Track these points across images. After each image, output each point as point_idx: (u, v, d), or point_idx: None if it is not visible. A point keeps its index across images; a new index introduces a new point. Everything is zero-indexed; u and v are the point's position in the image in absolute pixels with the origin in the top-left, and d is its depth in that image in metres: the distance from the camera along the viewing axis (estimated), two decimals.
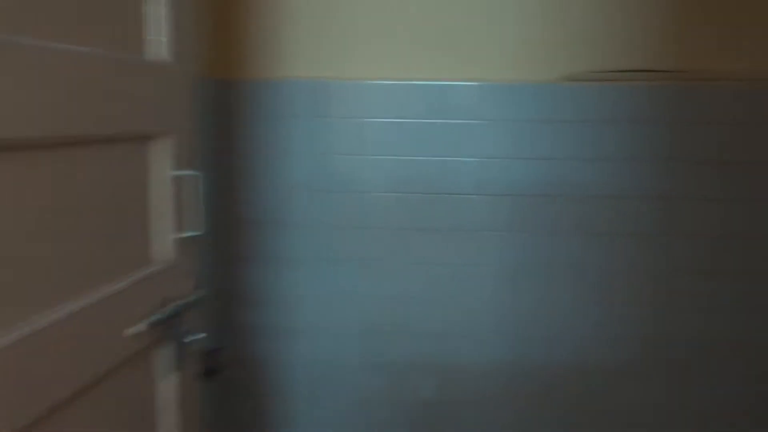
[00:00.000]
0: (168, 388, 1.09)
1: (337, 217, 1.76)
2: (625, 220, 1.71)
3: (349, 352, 1.79)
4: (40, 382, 0.76)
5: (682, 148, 1.68)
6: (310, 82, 1.72)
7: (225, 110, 1.75)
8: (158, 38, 1.02)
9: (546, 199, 1.71)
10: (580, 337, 1.76)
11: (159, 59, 1.02)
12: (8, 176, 0.71)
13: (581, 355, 1.76)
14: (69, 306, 0.82)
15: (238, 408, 1.82)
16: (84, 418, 0.86)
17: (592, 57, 1.67)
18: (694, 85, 1.65)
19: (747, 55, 1.65)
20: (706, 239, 1.72)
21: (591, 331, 1.76)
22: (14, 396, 0.71)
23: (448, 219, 1.75)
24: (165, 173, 1.05)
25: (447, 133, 1.72)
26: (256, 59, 1.74)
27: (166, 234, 1.07)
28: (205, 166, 1.71)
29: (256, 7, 1.71)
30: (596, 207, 1.70)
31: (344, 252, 1.77)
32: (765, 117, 1.67)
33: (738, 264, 1.72)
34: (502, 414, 1.79)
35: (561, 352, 1.77)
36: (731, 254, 1.72)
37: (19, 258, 0.73)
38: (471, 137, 1.72)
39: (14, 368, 0.71)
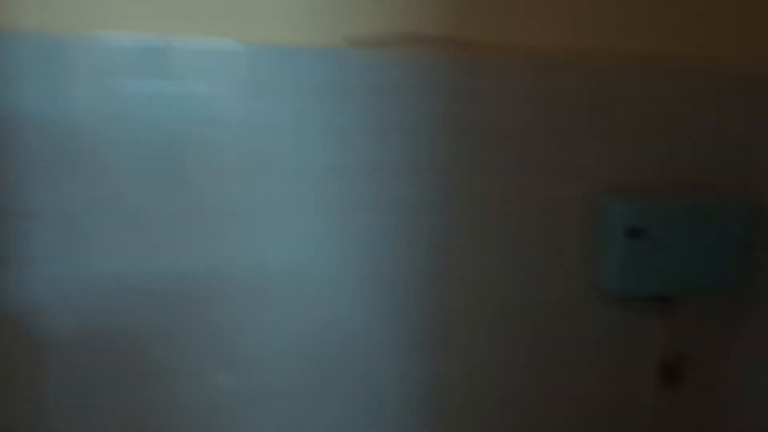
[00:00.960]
0: None
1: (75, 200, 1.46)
2: (413, 192, 1.65)
3: None
4: None
5: (467, 120, 1.63)
6: (37, 36, 1.37)
7: None
8: None
9: (328, 173, 1.58)
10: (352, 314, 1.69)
11: None
12: None
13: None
14: None
15: None
16: None
17: (376, 19, 1.54)
18: (482, 57, 1.61)
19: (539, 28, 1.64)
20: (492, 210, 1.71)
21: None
22: None
23: (201, 198, 1.51)
24: None
25: (202, 100, 1.47)
26: None
27: None
28: None
29: None
30: (383, 180, 1.62)
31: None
32: (555, 91, 1.67)
33: None
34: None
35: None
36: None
37: None
38: (231, 105, 1.49)
39: None
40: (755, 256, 1.97)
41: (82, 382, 1.54)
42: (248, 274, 1.59)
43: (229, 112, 1.50)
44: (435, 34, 1.57)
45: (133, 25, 1.42)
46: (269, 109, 1.52)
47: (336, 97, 1.54)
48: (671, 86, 1.76)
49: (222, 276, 1.57)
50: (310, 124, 1.54)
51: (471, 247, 1.72)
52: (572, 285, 1.82)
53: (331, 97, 1.54)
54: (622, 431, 1.99)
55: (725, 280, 1.81)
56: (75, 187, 1.45)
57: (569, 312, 1.84)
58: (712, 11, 1.75)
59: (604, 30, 1.69)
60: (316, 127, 1.55)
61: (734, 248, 1.78)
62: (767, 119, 1.87)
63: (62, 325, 1.51)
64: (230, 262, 1.57)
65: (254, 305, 1.61)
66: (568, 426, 1.94)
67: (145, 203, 1.49)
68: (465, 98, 1.62)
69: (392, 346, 1.73)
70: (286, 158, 1.55)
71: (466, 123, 1.64)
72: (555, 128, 1.70)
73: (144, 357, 1.57)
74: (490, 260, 1.74)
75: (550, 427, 1.92)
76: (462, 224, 1.69)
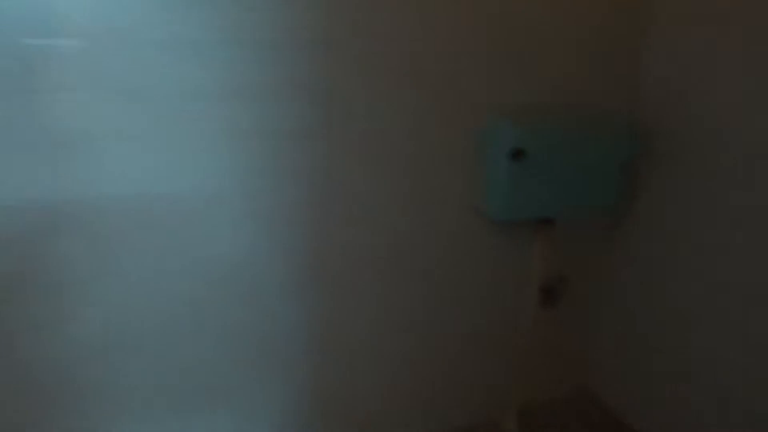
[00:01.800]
0: None
1: None
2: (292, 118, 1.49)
3: None
4: None
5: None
6: None
7: None
8: None
9: (204, 98, 1.39)
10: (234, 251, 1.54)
11: None
12: None
13: None
14: None
15: None
16: None
17: None
18: None
19: None
20: None
21: None
22: None
23: (63, 123, 1.30)
24: None
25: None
26: None
27: None
28: None
29: None
30: (262, 105, 1.45)
31: None
32: None
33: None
34: None
35: None
36: None
37: None
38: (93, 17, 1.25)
39: None
40: (637, 177, 1.99)
41: None
42: (116, 204, 1.38)
43: (75, 25, 1.24)
44: None
45: None
46: (114, 18, 1.27)
47: (205, 9, 1.33)
48: (550, 5, 1.68)
49: (91, 207, 1.36)
50: (166, 38, 1.32)
51: (355, 177, 1.60)
52: (460, 212, 1.77)
53: (202, 8, 1.32)
54: (506, 353, 2.02)
55: (608, 201, 1.82)
56: None
57: (457, 239, 1.80)
58: None
59: None
60: (170, 42, 1.32)
61: (617, 169, 1.78)
62: (652, 37, 1.85)
63: None
64: (97, 192, 1.36)
65: (126, 239, 1.41)
66: (457, 353, 1.93)
67: None
68: (335, 15, 1.45)
69: (277, 284, 1.60)
70: (162, 81, 1.34)
71: (339, 41, 1.47)
72: (432, 50, 1.58)
73: (10, 301, 1.36)
74: (375, 191, 1.63)
75: (440, 356, 1.91)
76: (344, 153, 1.57)
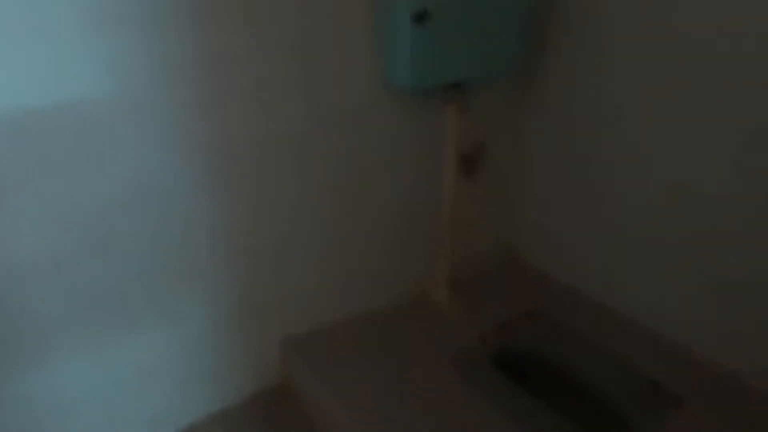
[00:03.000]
0: None
1: None
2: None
3: None
4: None
5: None
6: None
7: None
8: None
9: None
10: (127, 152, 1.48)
11: None
12: None
13: None
14: None
15: None
16: None
17: None
18: None
19: None
20: None
21: None
22: None
23: None
24: None
25: None
26: None
27: None
28: None
29: None
30: None
31: None
32: None
33: None
34: None
35: None
36: None
37: None
38: None
39: None
40: (541, 31, 1.95)
41: None
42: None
43: None
44: None
45: None
46: None
47: None
48: None
49: None
50: None
51: (253, 62, 1.47)
52: (366, 84, 1.69)
53: None
54: (431, 224, 2.04)
55: (514, 58, 1.77)
56: None
57: (368, 112, 1.73)
58: None
59: None
60: None
61: (520, 24, 1.73)
62: None
63: None
64: None
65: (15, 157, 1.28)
66: (382, 229, 1.93)
67: None
68: None
69: (186, 185, 1.50)
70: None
71: None
72: None
73: None
74: (275, 73, 1.52)
75: (366, 234, 1.90)
76: (239, 38, 1.43)
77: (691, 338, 1.82)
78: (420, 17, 1.54)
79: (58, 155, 1.31)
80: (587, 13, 1.81)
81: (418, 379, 1.73)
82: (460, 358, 1.83)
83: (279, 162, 1.63)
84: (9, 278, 1.35)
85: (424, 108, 1.84)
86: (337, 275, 1.91)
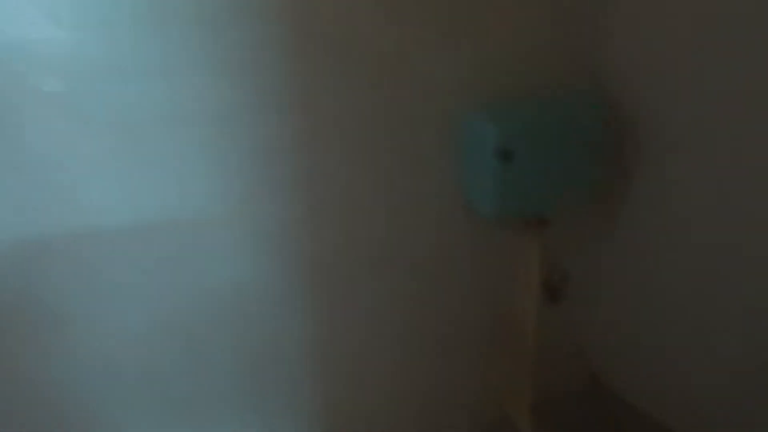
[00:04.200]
0: None
1: None
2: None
3: None
4: None
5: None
6: None
7: None
8: None
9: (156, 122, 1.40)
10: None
11: None
12: None
13: None
14: None
15: None
16: None
17: None
18: None
19: None
20: None
21: None
22: None
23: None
24: None
25: None
26: None
27: None
28: None
29: None
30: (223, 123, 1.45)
31: None
32: None
33: None
34: None
35: None
36: None
37: None
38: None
39: None
40: (621, 160, 1.98)
41: None
42: (106, 234, 1.42)
43: (40, 55, 1.26)
44: None
45: None
46: (85, 49, 1.30)
47: (159, 27, 1.34)
48: None
49: (80, 238, 1.40)
50: (136, 65, 1.34)
51: (337, 183, 1.62)
52: (446, 210, 1.77)
53: (154, 28, 1.34)
54: (514, 351, 2.03)
55: (595, 189, 1.81)
56: None
57: (445, 238, 1.80)
58: None
59: None
60: (142, 67, 1.35)
61: (601, 154, 1.77)
62: (615, 17, 1.82)
63: None
64: (86, 223, 1.40)
65: (119, 268, 1.45)
66: (463, 354, 1.94)
67: None
68: (309, 16, 1.46)
69: (271, 297, 1.63)
70: (113, 108, 1.35)
71: (311, 44, 1.48)
72: (407, 45, 1.58)
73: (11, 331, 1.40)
74: (359, 196, 1.65)
75: (445, 357, 1.92)
76: (324, 159, 1.58)
77: None
78: (504, 155, 1.63)
79: (164, 267, 1.47)
80: (669, 140, 1.83)
81: None
82: None
83: (362, 277, 1.72)
84: (106, 380, 1.48)
85: (506, 233, 1.89)
86: (413, 396, 1.92)
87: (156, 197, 1.44)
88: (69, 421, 1.51)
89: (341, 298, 1.70)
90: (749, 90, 1.55)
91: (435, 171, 1.72)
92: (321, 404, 1.75)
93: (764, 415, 1.70)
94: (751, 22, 1.51)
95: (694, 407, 1.92)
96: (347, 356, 1.76)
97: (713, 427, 1.86)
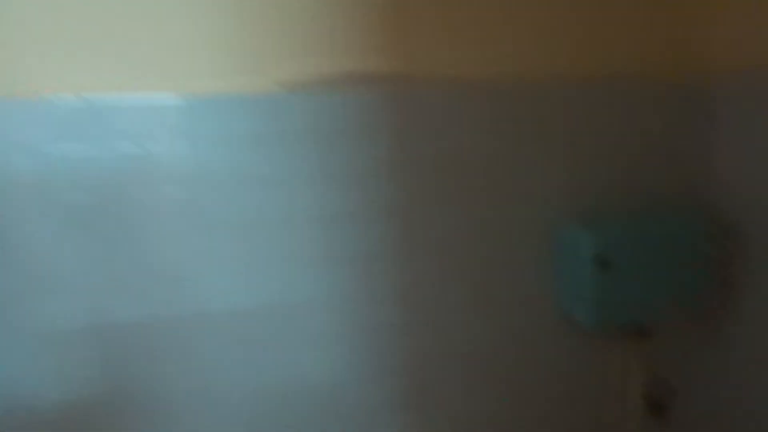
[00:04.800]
0: None
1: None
2: (367, 239, 1.59)
3: None
4: None
5: (416, 155, 1.59)
6: None
7: None
8: None
9: (279, 224, 1.52)
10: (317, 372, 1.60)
11: None
12: None
13: None
14: None
15: None
16: None
17: (309, 62, 1.50)
18: (425, 90, 1.57)
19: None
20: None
21: None
22: None
23: (148, 255, 1.44)
24: None
25: (138, 157, 1.41)
26: None
27: None
28: None
29: None
30: (334, 228, 1.56)
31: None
32: (502, 119, 1.63)
33: None
34: None
35: None
36: None
37: None
38: (169, 160, 1.42)
39: None
40: (723, 272, 1.91)
41: None
42: (209, 323, 1.53)
43: (166, 169, 1.44)
44: (373, 70, 1.53)
45: (64, 86, 1.37)
46: (208, 162, 1.47)
47: (275, 143, 1.50)
48: (617, 106, 1.72)
49: (185, 327, 1.51)
50: (252, 175, 1.49)
51: (434, 289, 1.66)
52: (543, 319, 1.76)
53: (270, 143, 1.49)
54: None
55: (697, 299, 1.75)
56: (6, 258, 1.38)
57: (543, 347, 1.78)
58: (641, 28, 1.72)
59: (547, 56, 1.66)
60: (258, 177, 1.50)
61: (702, 264, 1.73)
62: (715, 130, 1.83)
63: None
64: (191, 312, 1.51)
65: (220, 356, 1.54)
66: None
67: (86, 268, 1.42)
68: (412, 134, 1.58)
69: (366, 404, 1.66)
70: (230, 212, 1.50)
71: (415, 159, 1.59)
72: (506, 157, 1.66)
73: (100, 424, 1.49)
74: (456, 302, 1.68)
75: None
76: (423, 266, 1.64)
77: None
78: (601, 264, 1.62)
79: (265, 354, 1.56)
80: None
81: None
82: None
83: (455, 383, 1.71)
84: None
85: (605, 344, 1.84)
86: None
87: (264, 292, 1.54)
88: None
89: (434, 404, 1.70)
90: None
91: (531, 279, 1.73)
92: None
93: None
94: None
95: None
96: None
97: None
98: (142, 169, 1.42)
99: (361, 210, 1.57)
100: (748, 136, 1.78)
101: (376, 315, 1.62)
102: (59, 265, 1.40)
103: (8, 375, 1.41)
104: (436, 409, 1.70)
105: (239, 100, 1.45)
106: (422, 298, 1.65)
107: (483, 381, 1.73)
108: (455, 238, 1.65)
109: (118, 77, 1.39)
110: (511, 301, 1.73)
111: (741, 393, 1.94)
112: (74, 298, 1.42)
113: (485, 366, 1.73)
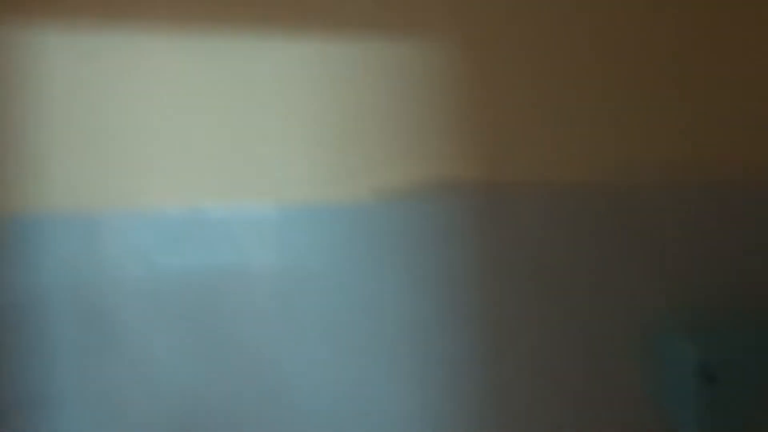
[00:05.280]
0: None
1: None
2: (455, 345, 1.54)
3: None
4: None
5: (503, 261, 1.55)
6: (69, 215, 1.40)
7: None
8: None
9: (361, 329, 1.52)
10: None
11: None
12: None
13: None
14: None
15: None
16: None
17: (400, 170, 1.52)
18: (512, 195, 1.55)
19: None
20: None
21: None
22: None
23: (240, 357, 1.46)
24: None
25: (234, 265, 1.45)
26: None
27: None
28: None
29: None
30: (423, 335, 1.53)
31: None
32: (589, 223, 1.59)
33: None
34: None
35: None
36: None
37: None
38: (263, 267, 1.46)
39: None
40: None
41: None
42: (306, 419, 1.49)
43: (262, 274, 1.47)
44: (462, 177, 1.53)
45: (164, 198, 1.44)
46: (302, 268, 1.48)
47: (366, 249, 1.50)
48: (721, 210, 1.66)
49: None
50: (343, 280, 1.49)
51: (525, 399, 1.58)
52: (640, 429, 1.66)
53: (361, 250, 1.50)
54: None
55: None
56: (107, 368, 1.41)
57: None
58: (745, 133, 1.67)
59: (645, 159, 1.62)
60: (349, 283, 1.50)
61: None
62: None
63: None
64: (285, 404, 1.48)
65: None
66: None
67: (182, 379, 1.43)
68: (501, 239, 1.55)
69: None
70: (322, 316, 1.49)
71: (505, 264, 1.55)
72: (600, 261, 1.60)
73: None
74: (548, 412, 1.59)
75: None
76: (513, 374, 1.57)
77: None
78: (709, 377, 1.53)
79: None
80: None
81: None
82: None
83: None
84: None
85: None
86: None
87: (353, 396, 1.50)
88: None
89: None
90: None
91: (629, 391, 1.64)
92: None
93: None
94: None
95: None
96: None
97: None
98: (240, 273, 1.45)
99: (450, 315, 1.53)
100: None
101: (465, 421, 1.55)
102: (161, 360, 1.43)
103: None
104: None
105: (332, 208, 1.48)
106: (512, 408, 1.57)
107: None
108: (548, 346, 1.59)
109: (222, 189, 1.45)
110: (609, 413, 1.64)
111: None
112: (172, 390, 1.43)
113: None
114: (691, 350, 1.54)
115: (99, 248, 1.40)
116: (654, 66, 1.63)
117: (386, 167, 1.50)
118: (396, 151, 1.50)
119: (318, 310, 1.48)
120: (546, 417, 1.60)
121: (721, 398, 1.55)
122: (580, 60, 1.60)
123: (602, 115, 1.61)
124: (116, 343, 1.41)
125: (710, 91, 1.65)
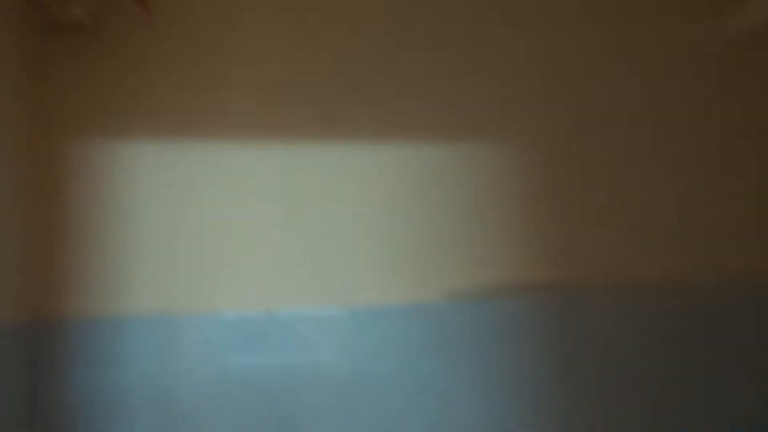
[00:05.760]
0: None
1: None
2: None
3: None
4: None
5: (573, 361, 1.54)
6: (153, 318, 1.47)
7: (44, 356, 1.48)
8: None
9: None
10: None
11: None
12: None
13: None
14: None
15: None
16: None
17: (468, 273, 1.55)
18: (577, 294, 1.55)
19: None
20: None
21: None
22: None
23: None
24: None
25: (305, 366, 1.49)
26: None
27: None
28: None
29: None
30: None
31: None
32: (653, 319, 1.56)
33: None
34: None
35: None
36: None
37: None
38: (334, 368, 1.50)
39: None
40: None
41: None
42: None
43: (332, 375, 1.50)
44: (530, 279, 1.56)
45: (240, 301, 1.51)
46: (371, 369, 1.51)
47: (434, 350, 1.53)
48: None
49: None
50: (413, 384, 1.51)
51: None
52: None
53: (430, 351, 1.53)
54: None
55: None
56: None
57: None
58: None
59: (705, 259, 1.65)
60: (419, 387, 1.52)
61: None
62: None
63: None
64: None
65: None
66: None
67: None
68: (571, 339, 1.57)
69: None
70: (390, 418, 1.51)
71: (575, 364, 1.57)
72: (674, 361, 1.60)
73: None
74: None
75: None
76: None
77: None
78: None
79: None
80: None
81: None
82: None
83: None
84: None
85: None
86: None
87: None
88: None
89: None
90: None
91: None
92: None
93: None
94: None
95: None
96: None
97: None
98: (309, 372, 1.50)
99: (522, 415, 1.54)
100: None
101: None
102: None
103: None
104: None
105: (401, 309, 1.52)
106: None
107: None
108: None
109: (296, 293, 1.52)
110: None
111: None
112: None
113: None
114: None
115: (177, 349, 1.48)
116: (728, 173, 1.67)
117: (456, 270, 1.55)
118: (466, 254, 1.56)
119: (384, 411, 1.50)
120: None
121: None
122: (649, 166, 1.64)
123: (675, 218, 1.65)
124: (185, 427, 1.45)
125: None
